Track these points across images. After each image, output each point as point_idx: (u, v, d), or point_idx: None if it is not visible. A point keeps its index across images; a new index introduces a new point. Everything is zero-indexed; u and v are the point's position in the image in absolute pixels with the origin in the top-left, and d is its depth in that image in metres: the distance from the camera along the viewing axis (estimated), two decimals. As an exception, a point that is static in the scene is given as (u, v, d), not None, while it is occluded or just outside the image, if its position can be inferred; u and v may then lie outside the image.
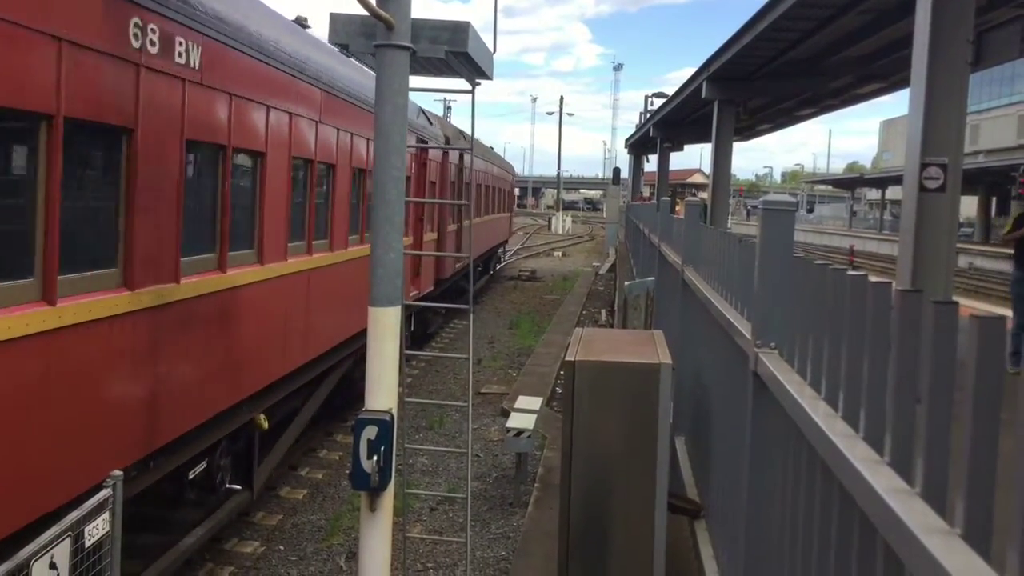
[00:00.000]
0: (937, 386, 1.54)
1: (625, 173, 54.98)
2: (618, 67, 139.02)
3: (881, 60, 16.79)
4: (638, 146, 47.11)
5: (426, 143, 13.60)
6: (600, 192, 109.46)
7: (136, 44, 4.79)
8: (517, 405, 9.64)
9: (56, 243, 4.22)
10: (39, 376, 4.18)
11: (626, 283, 12.96)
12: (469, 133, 20.34)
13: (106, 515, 3.83)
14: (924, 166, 8.80)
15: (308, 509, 8.39)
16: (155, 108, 5.06)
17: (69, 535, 3.56)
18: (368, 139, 9.82)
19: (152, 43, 4.95)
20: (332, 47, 8.87)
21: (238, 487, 7.31)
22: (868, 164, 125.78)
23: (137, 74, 4.83)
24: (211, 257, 6.16)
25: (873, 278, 2.02)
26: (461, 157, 17.44)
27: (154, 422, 5.32)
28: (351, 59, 9.47)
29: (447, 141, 16.27)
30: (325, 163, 8.63)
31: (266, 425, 7.32)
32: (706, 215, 19.41)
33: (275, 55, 6.93)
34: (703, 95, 20.91)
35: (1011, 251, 11.14)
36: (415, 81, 4.91)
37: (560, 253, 44.18)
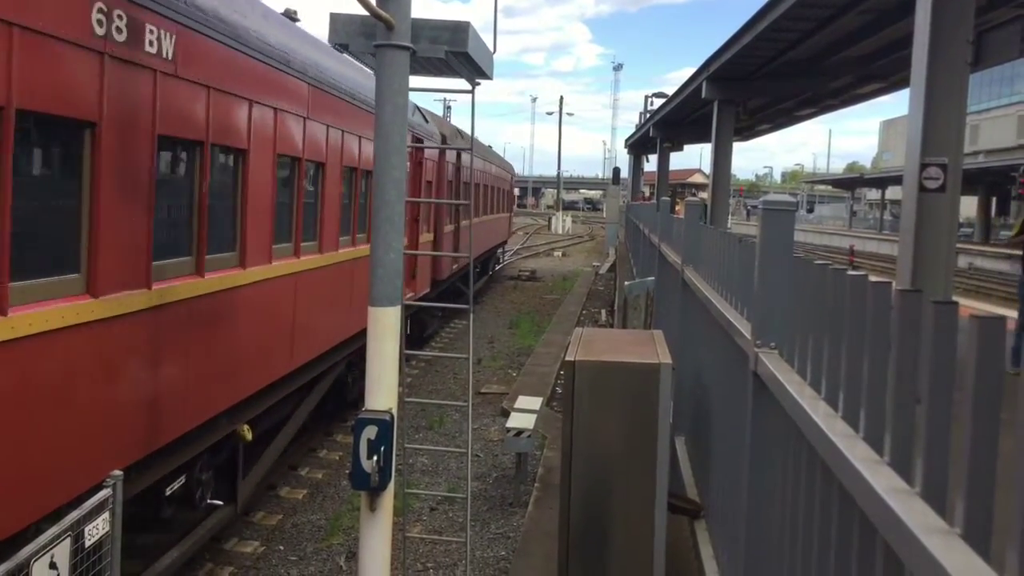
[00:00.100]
0: (937, 386, 1.54)
1: (625, 173, 54.98)
2: (618, 67, 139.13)
3: (881, 60, 16.79)
4: (638, 146, 47.11)
5: (421, 142, 13.33)
6: (600, 192, 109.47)
7: (100, 31, 4.45)
8: (517, 405, 9.64)
9: (7, 246, 3.90)
10: None
11: (626, 283, 12.97)
12: (466, 131, 20.22)
13: (106, 515, 3.83)
14: (924, 166, 8.80)
15: (308, 509, 8.39)
16: (122, 101, 4.73)
17: (69, 535, 3.57)
18: (360, 136, 9.63)
19: (119, 30, 4.61)
20: (322, 41, 8.64)
21: (219, 503, 6.94)
22: (868, 164, 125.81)
23: (101, 64, 4.49)
24: (187, 260, 5.81)
25: (873, 278, 2.02)
26: (459, 156, 17.15)
27: (125, 436, 5.01)
28: (344, 55, 9.33)
29: (443, 139, 16.00)
30: (313, 161, 8.31)
31: (250, 436, 6.97)
32: (706, 215, 19.42)
33: (258, 47, 6.59)
34: (703, 95, 20.91)
35: (1020, 252, 11.14)
36: (415, 81, 4.91)
37: (560, 253, 44.18)
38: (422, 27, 4.71)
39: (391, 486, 4.53)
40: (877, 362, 1.90)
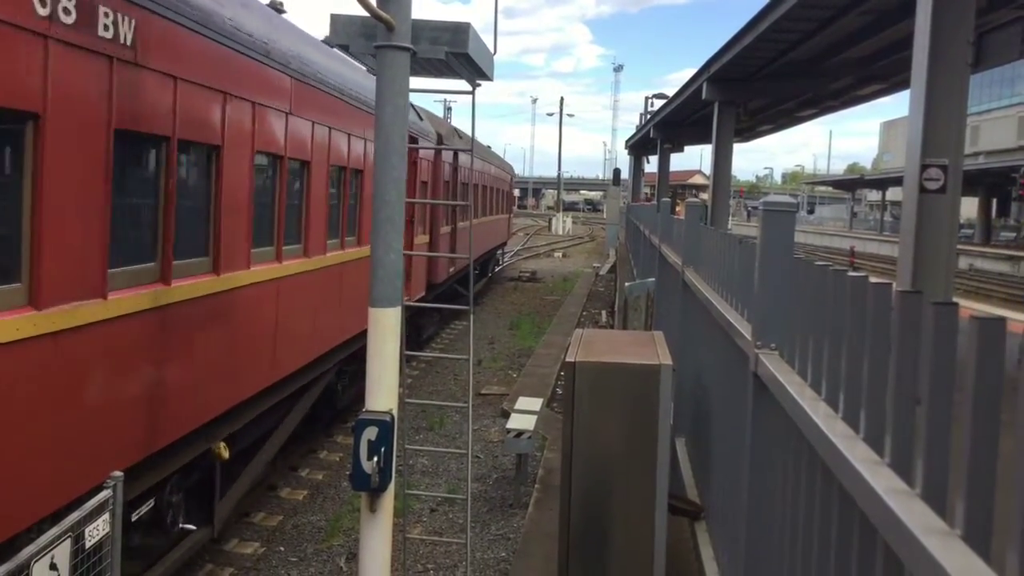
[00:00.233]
0: (937, 387, 1.55)
1: (625, 174, 54.98)
2: (618, 68, 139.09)
3: (881, 61, 16.79)
4: (638, 147, 47.12)
5: (416, 141, 12.84)
6: (600, 193, 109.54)
7: (43, 12, 4.01)
8: (517, 406, 9.64)
9: None
10: None
11: (626, 284, 12.96)
12: (462, 130, 20.08)
13: (106, 516, 3.83)
14: (924, 167, 8.80)
15: (308, 510, 8.39)
16: (71, 91, 4.27)
17: (69, 536, 3.56)
18: (350, 134, 9.24)
19: (66, 11, 4.16)
20: (309, 34, 8.27)
21: (192, 527, 6.39)
22: (868, 165, 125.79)
23: (45, 49, 4.05)
24: (150, 267, 5.30)
25: (873, 279, 2.02)
26: (455, 156, 16.75)
27: (81, 461, 4.53)
28: (333, 49, 8.92)
29: (440, 138, 15.50)
30: (297, 160, 7.79)
31: (226, 454, 6.50)
32: (706, 216, 19.41)
33: (233, 35, 6.09)
34: (703, 96, 20.90)
35: None
36: (415, 82, 4.91)
37: (560, 254, 44.19)
38: (422, 28, 4.71)
39: (391, 487, 4.53)
40: (877, 363, 1.90)
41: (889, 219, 65.21)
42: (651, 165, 45.92)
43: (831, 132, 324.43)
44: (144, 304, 5.12)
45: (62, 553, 3.51)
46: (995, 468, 1.32)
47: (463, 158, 17.55)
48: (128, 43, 4.71)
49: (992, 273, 38.45)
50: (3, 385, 3.91)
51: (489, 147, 29.52)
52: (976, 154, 59.38)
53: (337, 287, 9.15)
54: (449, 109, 59.29)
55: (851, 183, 77.84)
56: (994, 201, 56.57)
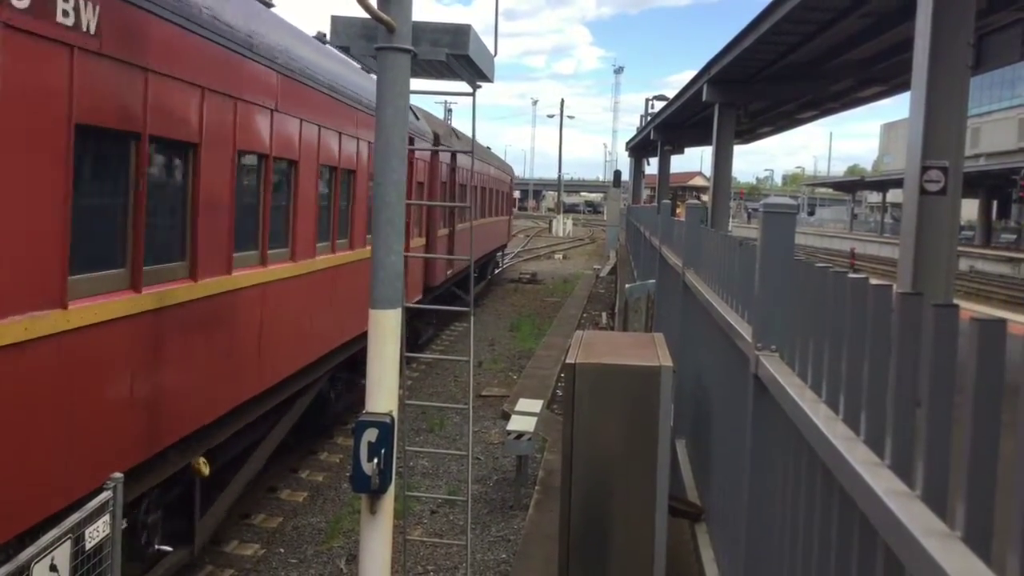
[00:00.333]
0: (937, 389, 1.55)
1: (626, 176, 55.03)
2: (619, 70, 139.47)
3: (882, 63, 16.80)
4: (639, 149, 47.16)
5: (412, 141, 12.35)
6: (601, 195, 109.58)
7: None
8: (518, 408, 9.63)
9: None
10: None
11: (627, 286, 12.96)
12: (460, 130, 19.93)
13: (107, 517, 3.83)
14: (925, 169, 8.81)
15: (308, 511, 8.39)
16: (24, 81, 3.95)
17: (70, 537, 3.56)
18: (341, 133, 8.93)
19: None
20: (298, 28, 7.97)
21: (169, 549, 5.96)
22: (869, 167, 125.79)
23: None
24: (120, 273, 4.95)
25: (874, 281, 2.02)
26: (453, 157, 16.47)
27: (42, 485, 4.21)
28: (324, 45, 8.50)
29: (436, 138, 15.14)
30: (284, 159, 7.44)
31: (207, 471, 6.16)
32: (707, 218, 19.43)
33: (211, 26, 5.73)
34: (704, 98, 20.93)
35: None
36: (416, 84, 4.92)
37: (561, 256, 44.20)
38: (423, 30, 4.72)
39: (391, 489, 4.53)
40: (878, 365, 1.90)
41: (890, 221, 65.23)
42: (652, 167, 45.98)
43: (831, 134, 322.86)
44: (113, 313, 4.75)
45: (62, 554, 3.51)
46: (995, 470, 1.32)
47: (462, 159, 17.44)
48: (91, 31, 4.36)
49: (993, 275, 38.47)
50: None
51: (488, 148, 29.42)
52: (976, 156, 59.42)
53: (328, 292, 8.85)
54: (449, 111, 59.33)
55: (851, 185, 77.89)
56: (995, 203, 56.60)
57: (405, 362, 5.41)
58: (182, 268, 5.70)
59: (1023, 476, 1.13)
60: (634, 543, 4.48)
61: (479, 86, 5.65)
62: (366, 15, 4.32)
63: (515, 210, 44.98)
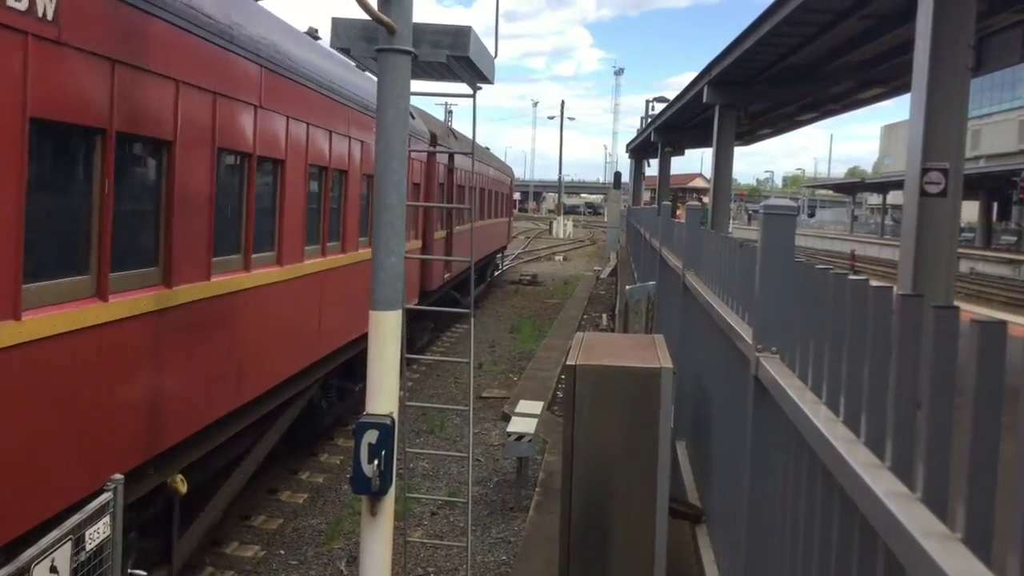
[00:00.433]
0: (938, 390, 1.55)
1: (626, 177, 55.03)
2: (619, 71, 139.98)
3: (882, 65, 16.81)
4: (639, 150, 47.17)
5: (408, 141, 12.44)
6: (601, 196, 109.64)
7: None
8: (518, 409, 9.63)
9: None
10: None
11: (627, 287, 12.96)
12: (459, 131, 19.83)
13: (107, 519, 3.83)
14: (925, 171, 8.81)
15: (309, 513, 8.39)
16: None
17: (70, 539, 3.56)
18: (332, 131, 8.65)
19: None
20: (287, 23, 7.69)
21: (143, 573, 5.46)
22: (869, 169, 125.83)
23: None
24: (84, 280, 4.58)
25: (874, 282, 2.02)
26: (451, 157, 16.25)
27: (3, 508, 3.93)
28: (316, 41, 8.35)
29: (433, 138, 14.84)
30: (269, 158, 7.12)
31: (184, 489, 5.84)
32: (707, 219, 19.43)
33: (185, 14, 5.38)
34: (704, 100, 20.93)
35: None
36: (416, 85, 4.93)
37: (561, 257, 44.22)
38: (423, 31, 4.73)
39: (392, 490, 4.53)
40: (878, 367, 1.90)
41: (890, 223, 65.24)
42: (652, 168, 45.99)
43: (832, 136, 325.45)
44: (77, 322, 4.42)
45: (63, 556, 3.51)
46: (996, 471, 1.32)
47: (462, 160, 17.35)
48: (48, 17, 4.01)
49: (993, 277, 38.48)
50: None
51: (488, 149, 29.36)
52: (977, 158, 59.47)
53: (317, 297, 8.53)
54: (450, 112, 59.53)
55: (852, 187, 77.92)
56: (995, 205, 56.61)
57: (405, 363, 5.40)
58: (154, 274, 5.35)
59: (1023, 478, 1.13)
60: (634, 545, 4.48)
61: (479, 88, 5.66)
62: (367, 17, 4.33)
63: (515, 211, 45.00)
